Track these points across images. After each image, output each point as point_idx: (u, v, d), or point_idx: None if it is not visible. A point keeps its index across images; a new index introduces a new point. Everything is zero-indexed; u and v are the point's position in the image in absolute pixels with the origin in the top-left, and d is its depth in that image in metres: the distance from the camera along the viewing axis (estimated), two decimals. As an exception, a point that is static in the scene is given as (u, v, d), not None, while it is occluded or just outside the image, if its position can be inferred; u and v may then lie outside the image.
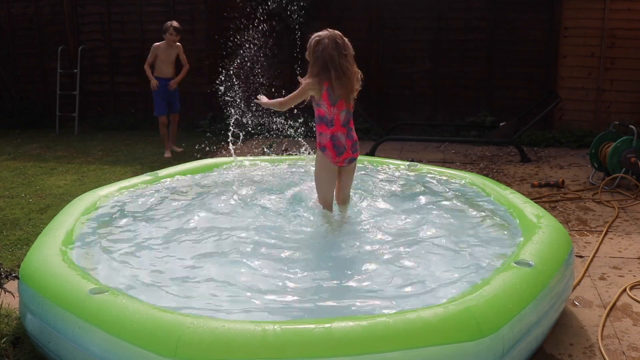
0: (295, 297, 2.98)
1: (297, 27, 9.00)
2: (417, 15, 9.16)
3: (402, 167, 5.17)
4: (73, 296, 2.67)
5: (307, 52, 3.89)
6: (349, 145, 3.95)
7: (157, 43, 7.94)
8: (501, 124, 8.70)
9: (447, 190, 4.59)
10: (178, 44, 7.99)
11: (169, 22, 7.92)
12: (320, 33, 3.85)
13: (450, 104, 9.32)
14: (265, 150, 5.68)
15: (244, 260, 3.41)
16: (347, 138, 3.93)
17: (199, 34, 9.91)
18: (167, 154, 8.08)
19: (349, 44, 3.86)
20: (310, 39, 3.87)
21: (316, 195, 4.13)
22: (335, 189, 4.12)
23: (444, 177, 4.83)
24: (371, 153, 7.62)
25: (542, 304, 2.81)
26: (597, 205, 5.58)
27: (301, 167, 5.28)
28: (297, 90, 3.88)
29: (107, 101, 10.53)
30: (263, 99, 4.11)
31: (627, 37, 8.44)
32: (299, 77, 3.95)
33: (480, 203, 4.27)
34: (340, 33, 3.87)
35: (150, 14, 10.04)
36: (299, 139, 5.61)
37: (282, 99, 3.98)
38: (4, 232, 4.83)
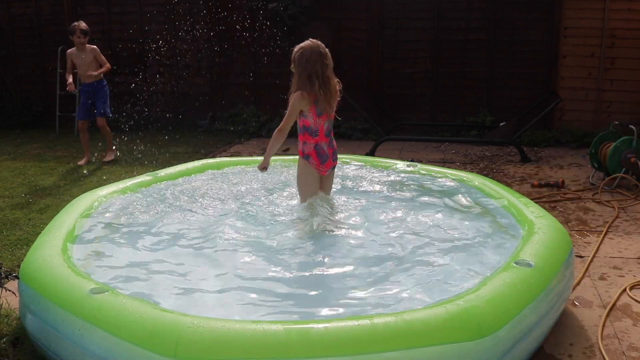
0: (295, 298, 2.98)
1: (297, 27, 8.99)
2: (417, 15, 9.16)
3: (402, 167, 5.17)
4: (73, 296, 2.66)
5: (291, 65, 3.88)
6: (331, 153, 4.06)
7: (70, 49, 7.37)
8: (501, 124, 8.71)
9: (447, 190, 4.59)
10: (94, 47, 7.35)
11: (76, 23, 7.27)
12: (302, 44, 3.86)
13: (450, 104, 9.32)
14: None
15: (244, 260, 3.41)
16: (329, 147, 4.04)
17: (199, 34, 9.91)
18: (81, 162, 7.41)
19: (329, 55, 3.89)
20: (294, 51, 3.87)
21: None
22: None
23: (444, 177, 4.83)
24: (371, 153, 7.61)
25: (542, 304, 2.81)
26: (597, 205, 5.58)
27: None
28: (290, 109, 3.90)
29: (106, 101, 10.52)
30: (265, 160, 4.08)
31: (627, 37, 8.44)
32: (287, 95, 3.94)
33: (480, 203, 4.26)
34: (322, 43, 3.89)
35: (151, 14, 10.04)
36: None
37: (277, 129, 3.95)
38: (4, 232, 4.83)
